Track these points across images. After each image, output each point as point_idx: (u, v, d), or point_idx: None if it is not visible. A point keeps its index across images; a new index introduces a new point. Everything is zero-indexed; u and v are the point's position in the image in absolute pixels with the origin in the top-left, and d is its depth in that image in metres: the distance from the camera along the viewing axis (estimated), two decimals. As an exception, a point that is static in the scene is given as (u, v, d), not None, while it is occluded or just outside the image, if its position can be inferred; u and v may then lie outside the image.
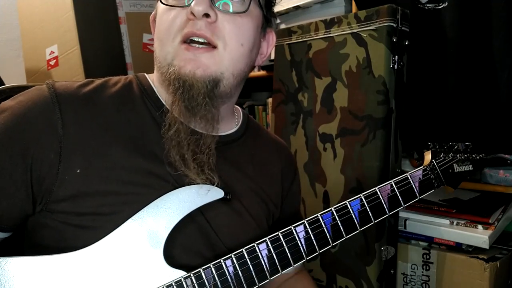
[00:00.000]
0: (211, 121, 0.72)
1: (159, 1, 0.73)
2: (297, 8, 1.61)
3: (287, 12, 1.66)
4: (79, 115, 0.69)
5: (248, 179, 0.81)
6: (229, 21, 0.70)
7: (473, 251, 1.22)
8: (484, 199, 1.35)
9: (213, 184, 0.72)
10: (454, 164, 0.90)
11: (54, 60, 1.80)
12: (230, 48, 0.70)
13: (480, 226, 1.22)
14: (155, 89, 0.77)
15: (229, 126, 0.83)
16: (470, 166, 0.93)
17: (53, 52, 1.80)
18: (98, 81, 0.76)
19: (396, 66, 1.22)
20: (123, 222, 0.68)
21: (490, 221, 1.23)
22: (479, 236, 1.19)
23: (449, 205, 1.32)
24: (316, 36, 1.42)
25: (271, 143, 0.92)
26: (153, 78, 0.79)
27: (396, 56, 1.22)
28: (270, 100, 1.86)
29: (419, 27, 1.30)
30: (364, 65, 1.27)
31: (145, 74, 0.81)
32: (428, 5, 1.30)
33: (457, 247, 1.24)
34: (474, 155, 0.95)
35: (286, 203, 0.91)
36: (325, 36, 1.39)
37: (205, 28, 0.68)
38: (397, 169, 1.26)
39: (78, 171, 0.67)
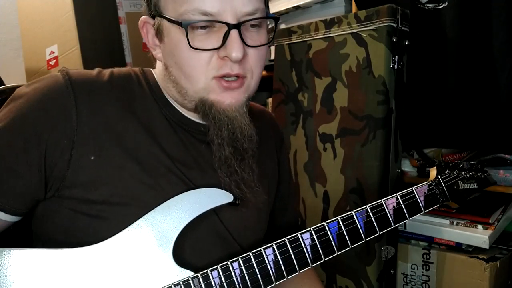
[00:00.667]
0: (254, 144, 0.77)
1: (164, 20, 0.71)
2: (297, 8, 1.61)
3: (287, 12, 1.66)
4: (93, 103, 0.71)
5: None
6: (255, 53, 0.73)
7: (473, 251, 1.22)
8: (484, 199, 1.35)
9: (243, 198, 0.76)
10: (459, 181, 0.91)
11: (54, 60, 1.80)
12: (256, 76, 0.75)
13: (480, 226, 1.22)
14: (159, 84, 0.79)
15: None
16: (475, 184, 0.94)
17: (53, 52, 1.79)
18: (107, 71, 0.78)
19: (396, 66, 1.22)
20: (132, 215, 0.69)
21: (490, 221, 1.23)
22: (479, 236, 1.19)
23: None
24: (316, 36, 1.42)
25: (260, 115, 0.93)
26: (157, 74, 0.81)
27: (396, 56, 1.22)
28: (270, 100, 1.86)
29: (419, 27, 1.30)
30: (364, 65, 1.27)
31: (150, 69, 0.83)
32: (428, 5, 1.30)
33: (457, 247, 1.24)
34: (479, 174, 0.95)
35: (280, 173, 0.94)
36: (325, 36, 1.39)
37: (238, 67, 0.71)
38: (397, 169, 1.26)
39: (92, 158, 0.69)
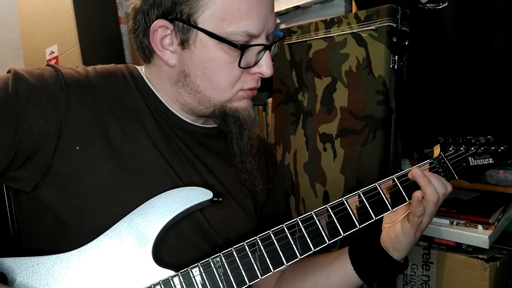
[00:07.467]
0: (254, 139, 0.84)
1: (200, 32, 0.72)
2: (297, 8, 1.61)
3: (287, 12, 1.65)
4: (81, 96, 0.73)
5: (234, 169, 0.84)
6: None
7: (473, 251, 1.22)
8: (484, 199, 1.35)
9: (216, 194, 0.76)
10: (470, 158, 0.85)
11: (54, 60, 1.80)
12: None
13: (480, 226, 1.22)
14: (145, 79, 0.82)
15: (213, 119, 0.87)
16: (491, 159, 0.86)
17: (53, 52, 1.80)
18: (90, 68, 0.80)
19: (396, 66, 1.22)
20: (117, 210, 0.70)
21: (490, 221, 1.23)
22: (479, 236, 1.19)
23: (449, 205, 1.32)
24: (316, 36, 1.42)
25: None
26: (148, 71, 0.83)
27: (396, 56, 1.22)
28: (270, 100, 1.86)
29: (419, 27, 1.30)
30: (364, 65, 1.27)
31: (135, 65, 0.85)
32: (428, 5, 1.30)
33: (457, 247, 1.24)
34: (494, 147, 0.88)
35: (272, 196, 0.94)
36: (325, 36, 1.39)
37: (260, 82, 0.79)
38: (397, 169, 1.26)
39: (77, 148, 0.70)
